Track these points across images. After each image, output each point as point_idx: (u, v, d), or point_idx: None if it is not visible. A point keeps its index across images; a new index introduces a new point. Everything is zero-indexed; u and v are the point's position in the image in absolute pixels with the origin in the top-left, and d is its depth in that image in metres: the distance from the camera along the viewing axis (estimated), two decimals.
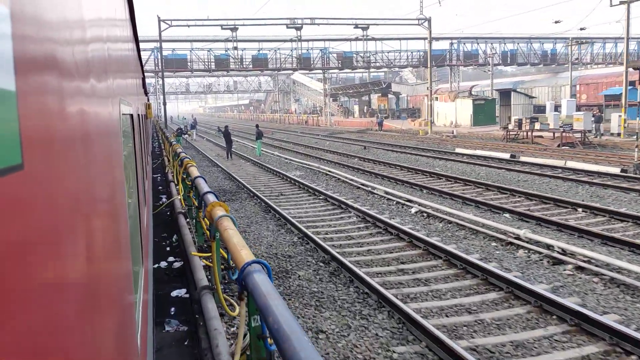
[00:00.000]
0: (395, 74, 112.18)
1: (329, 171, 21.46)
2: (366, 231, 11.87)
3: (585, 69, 72.58)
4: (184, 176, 10.22)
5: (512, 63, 69.79)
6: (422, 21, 49.91)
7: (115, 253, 1.64)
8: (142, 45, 51.24)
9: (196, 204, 7.26)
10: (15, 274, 0.59)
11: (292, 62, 63.26)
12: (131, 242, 2.35)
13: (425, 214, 13.38)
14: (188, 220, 8.83)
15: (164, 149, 27.15)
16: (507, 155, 23.30)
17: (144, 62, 52.14)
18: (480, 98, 48.71)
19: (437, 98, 52.90)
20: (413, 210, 14.18)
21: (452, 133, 36.98)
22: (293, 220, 12.53)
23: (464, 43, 68.62)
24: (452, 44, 68.03)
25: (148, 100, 24.90)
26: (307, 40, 62.82)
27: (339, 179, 19.74)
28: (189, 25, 49.48)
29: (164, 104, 40.29)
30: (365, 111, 72.42)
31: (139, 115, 5.31)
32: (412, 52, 66.42)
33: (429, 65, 43.65)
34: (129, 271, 2.12)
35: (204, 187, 6.63)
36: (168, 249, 7.70)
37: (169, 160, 20.20)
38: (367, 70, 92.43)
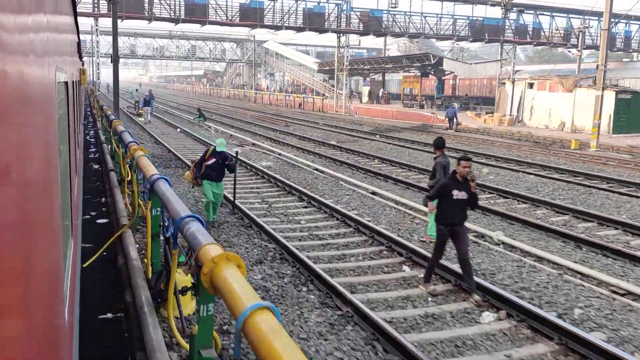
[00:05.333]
0: (380, 52, 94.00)
1: None
2: None
3: None
4: None
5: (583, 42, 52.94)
6: None
7: (45, 225, 1.57)
8: None
9: None
10: None
11: (297, 19, 43.70)
12: (61, 213, 2.30)
13: None
14: None
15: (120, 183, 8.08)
16: None
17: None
18: (625, 90, 31.28)
19: (531, 85, 35.20)
20: None
21: None
22: None
23: (521, 14, 51.22)
24: (506, 11, 50.52)
25: (83, 64, 19.24)
26: None
27: None
28: None
29: (115, 60, 19.64)
30: (380, 95, 53.88)
31: (73, 82, 4.95)
32: (454, 18, 48.35)
33: (604, 35, 25.25)
34: (59, 242, 2.06)
35: None
36: None
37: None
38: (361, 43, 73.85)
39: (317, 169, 15.43)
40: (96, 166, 16.10)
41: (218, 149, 9.22)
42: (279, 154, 18.61)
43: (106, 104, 25.67)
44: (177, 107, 50.23)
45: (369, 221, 9.77)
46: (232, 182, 10.67)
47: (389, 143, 23.26)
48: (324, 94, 55.81)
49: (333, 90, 59.11)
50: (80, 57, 17.07)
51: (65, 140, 3.33)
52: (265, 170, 14.88)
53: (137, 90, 42.19)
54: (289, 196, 12.20)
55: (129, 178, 10.14)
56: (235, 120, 34.96)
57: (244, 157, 17.85)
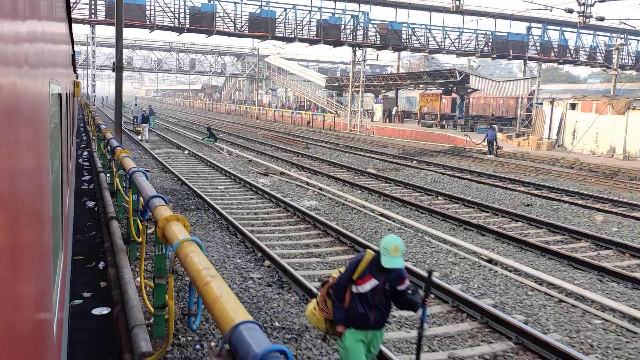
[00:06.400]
0: (383, 68, 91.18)
1: None
2: None
3: None
4: None
5: (609, 61, 49.87)
6: None
7: (35, 237, 1.57)
8: None
9: None
10: None
11: (309, 30, 40.34)
12: (52, 225, 2.29)
13: None
14: None
15: None
16: None
17: (72, 3, 27.48)
18: None
19: (573, 106, 31.89)
20: None
21: None
22: None
23: (547, 29, 48.17)
24: (530, 28, 47.51)
25: (77, 77, 18.44)
26: None
27: None
28: None
29: (118, 68, 15.38)
30: (394, 113, 50.48)
31: (67, 94, 4.89)
32: (477, 33, 45.17)
33: None
34: (49, 255, 2.05)
35: None
36: None
37: None
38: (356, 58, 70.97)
39: (382, 214, 11.75)
40: (91, 203, 12.39)
41: (387, 264, 3.94)
42: (320, 189, 14.93)
43: (102, 121, 22.00)
44: (177, 124, 46.66)
45: (526, 323, 6.11)
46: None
47: (441, 172, 19.66)
48: (335, 112, 52.40)
49: (339, 107, 55.74)
50: (75, 69, 15.29)
51: (58, 152, 3.25)
52: (314, 215, 11.19)
53: (135, 104, 38.50)
54: None
55: (141, 240, 6.52)
56: (246, 140, 31.30)
57: (277, 191, 14.15)
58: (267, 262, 8.14)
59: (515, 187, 17.05)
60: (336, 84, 57.69)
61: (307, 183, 15.81)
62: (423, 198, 14.55)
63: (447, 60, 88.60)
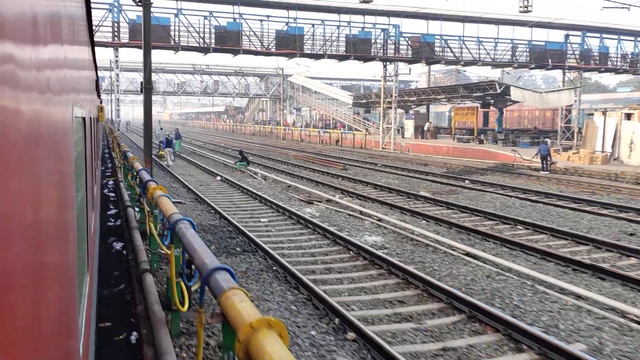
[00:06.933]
0: (407, 84, 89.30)
1: None
2: None
3: None
4: None
5: None
6: None
7: (61, 259, 1.56)
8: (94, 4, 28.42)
9: None
10: None
11: (338, 45, 38.63)
12: (78, 247, 2.29)
13: None
14: None
15: None
16: None
17: (94, 25, 26.42)
18: None
19: (629, 116, 29.45)
20: None
21: None
22: None
23: (587, 37, 45.73)
24: (567, 36, 45.16)
25: (101, 102, 18.42)
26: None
27: None
28: None
29: (146, 87, 13.33)
30: (426, 129, 48.33)
31: (91, 118, 4.92)
32: (513, 43, 42.97)
33: None
34: (74, 277, 2.03)
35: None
36: None
37: None
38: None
39: (468, 254, 9.69)
40: (118, 245, 10.55)
41: None
42: (379, 219, 12.94)
43: (128, 147, 20.41)
44: (203, 146, 45.26)
45: None
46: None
47: (504, 194, 17.51)
48: (366, 129, 50.51)
49: (365, 124, 53.75)
50: (99, 94, 14.77)
51: (83, 175, 3.23)
52: (384, 256, 9.19)
53: (161, 128, 37.07)
54: (480, 329, 6.46)
55: (197, 333, 4.68)
56: (278, 162, 29.51)
57: (329, 223, 12.18)
58: (350, 334, 6.15)
59: (594, 209, 14.84)
60: (364, 101, 55.93)
61: (361, 212, 13.82)
62: (500, 228, 12.44)
63: (476, 73, 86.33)
